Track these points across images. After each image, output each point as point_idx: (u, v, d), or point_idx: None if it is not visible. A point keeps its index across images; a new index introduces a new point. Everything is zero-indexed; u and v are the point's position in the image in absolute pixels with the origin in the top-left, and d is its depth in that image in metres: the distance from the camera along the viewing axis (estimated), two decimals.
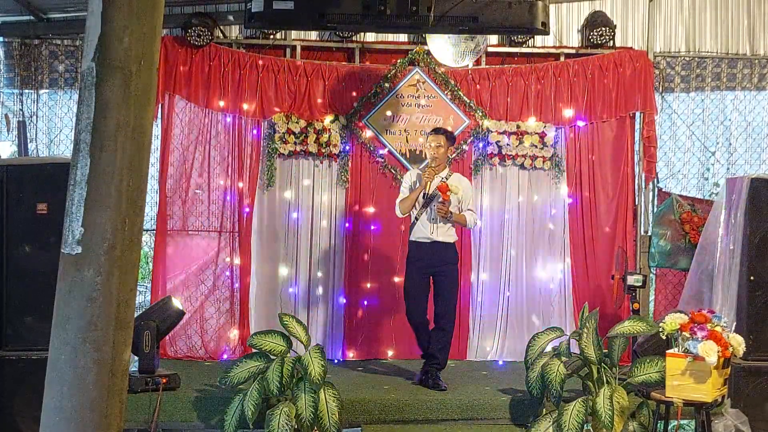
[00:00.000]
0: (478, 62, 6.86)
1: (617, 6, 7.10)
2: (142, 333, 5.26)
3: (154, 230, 6.69)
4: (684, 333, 4.30)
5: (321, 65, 6.77)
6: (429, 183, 5.62)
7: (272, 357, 4.91)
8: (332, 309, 6.81)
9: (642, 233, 6.96)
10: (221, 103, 6.64)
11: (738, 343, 4.37)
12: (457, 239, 5.88)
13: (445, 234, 5.70)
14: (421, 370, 5.81)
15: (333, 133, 6.71)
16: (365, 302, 6.79)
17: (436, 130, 5.83)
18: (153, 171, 6.35)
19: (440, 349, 5.73)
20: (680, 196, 6.87)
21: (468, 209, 5.79)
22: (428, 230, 5.68)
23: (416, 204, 5.69)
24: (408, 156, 6.83)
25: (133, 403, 5.02)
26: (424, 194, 5.64)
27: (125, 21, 3.39)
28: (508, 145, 6.79)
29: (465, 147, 6.82)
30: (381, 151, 6.82)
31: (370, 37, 6.91)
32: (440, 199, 5.59)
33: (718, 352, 4.20)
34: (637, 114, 6.92)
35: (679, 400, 4.29)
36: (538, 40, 6.97)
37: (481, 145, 6.82)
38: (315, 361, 4.78)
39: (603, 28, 6.78)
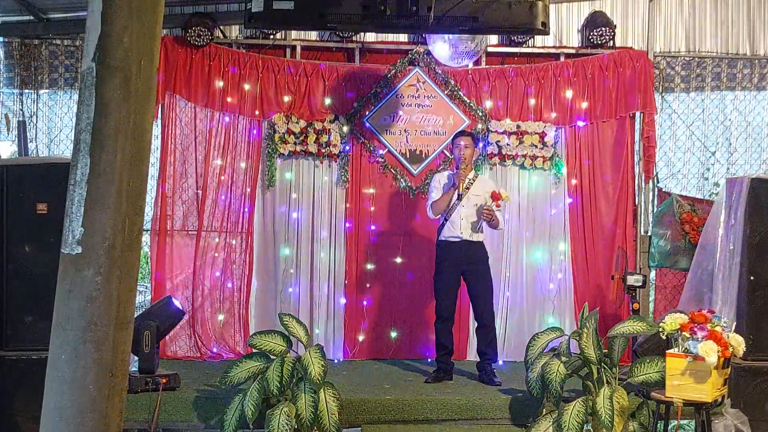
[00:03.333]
0: (478, 62, 6.86)
1: (617, 6, 7.10)
2: (142, 333, 5.26)
3: (154, 230, 6.69)
4: (684, 333, 4.30)
5: (321, 65, 6.77)
6: (462, 183, 5.73)
7: (272, 357, 4.91)
8: (332, 309, 6.80)
9: (642, 233, 6.95)
10: (221, 103, 6.64)
11: (738, 343, 4.37)
12: (485, 237, 5.95)
13: (475, 233, 5.82)
14: (477, 367, 5.93)
15: (333, 133, 6.71)
16: (365, 302, 6.79)
17: (463, 132, 6.00)
18: (153, 171, 6.35)
19: (488, 344, 5.90)
20: (680, 196, 6.87)
21: (496, 210, 5.86)
22: (458, 229, 5.79)
23: (448, 205, 5.79)
24: (408, 156, 6.83)
25: (133, 403, 5.02)
26: (459, 195, 5.74)
27: (125, 21, 3.39)
28: (508, 145, 6.78)
29: None
30: (381, 151, 6.81)
31: (370, 37, 6.90)
32: (488, 205, 5.68)
33: (718, 352, 4.20)
34: (637, 114, 6.91)
35: (679, 400, 4.29)
36: (538, 40, 6.97)
37: (481, 145, 6.81)
38: (315, 361, 4.78)
39: (603, 28, 6.77)
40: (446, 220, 5.82)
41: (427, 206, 5.93)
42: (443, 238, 5.87)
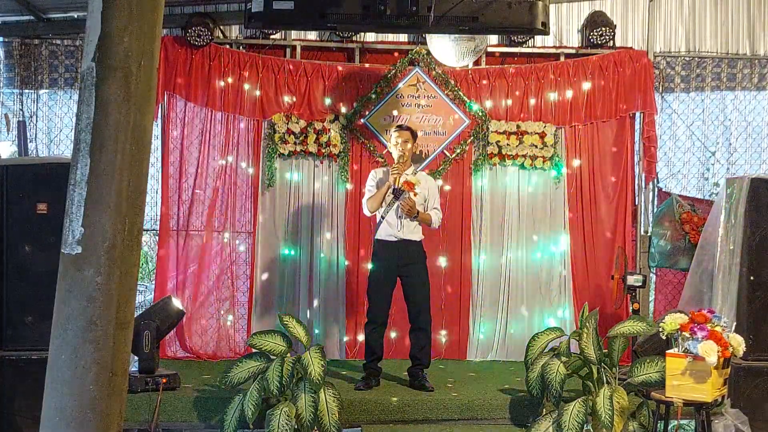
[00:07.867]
0: (478, 62, 6.86)
1: (617, 6, 7.10)
2: (142, 333, 5.27)
3: (154, 230, 6.69)
4: (684, 333, 4.31)
5: (321, 65, 6.78)
6: (398, 178, 5.56)
7: (272, 357, 4.91)
8: (332, 309, 6.80)
9: (642, 233, 6.95)
10: (221, 103, 6.65)
11: (738, 343, 4.37)
12: (423, 237, 5.81)
13: (412, 232, 5.67)
14: (408, 372, 5.79)
15: (333, 133, 6.71)
16: (365, 302, 6.77)
17: (400, 127, 5.81)
18: (153, 171, 6.36)
19: (421, 349, 5.72)
20: (680, 196, 6.87)
21: (434, 208, 5.75)
22: (395, 228, 5.65)
23: (384, 202, 5.66)
24: None
25: (133, 403, 5.03)
26: (394, 189, 5.58)
27: (125, 21, 3.39)
28: (508, 145, 6.78)
29: (465, 147, 6.82)
30: (381, 151, 6.81)
31: (370, 37, 6.90)
32: (406, 196, 5.54)
33: (718, 352, 4.20)
34: (637, 114, 6.92)
35: (679, 400, 4.29)
36: (538, 40, 6.97)
37: (481, 145, 6.82)
38: (315, 361, 4.79)
39: (603, 28, 6.78)
40: (383, 218, 5.68)
41: (363, 203, 5.80)
42: (379, 238, 5.72)
